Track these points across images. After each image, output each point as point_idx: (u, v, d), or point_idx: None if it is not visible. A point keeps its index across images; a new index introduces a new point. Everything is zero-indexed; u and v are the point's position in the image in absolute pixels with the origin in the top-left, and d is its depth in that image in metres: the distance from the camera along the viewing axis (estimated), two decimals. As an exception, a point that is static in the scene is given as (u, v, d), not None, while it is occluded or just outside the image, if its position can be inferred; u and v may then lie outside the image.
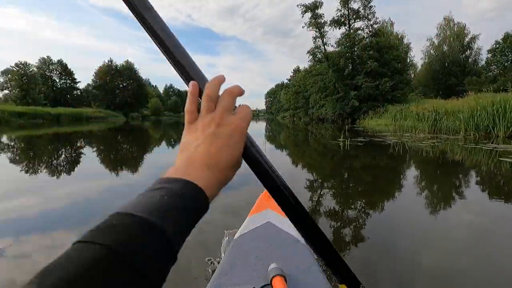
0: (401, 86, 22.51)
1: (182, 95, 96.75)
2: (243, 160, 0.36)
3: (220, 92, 0.36)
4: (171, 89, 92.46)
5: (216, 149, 0.33)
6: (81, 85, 44.96)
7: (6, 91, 35.98)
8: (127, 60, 47.67)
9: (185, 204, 0.26)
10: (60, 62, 42.98)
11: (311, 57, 25.51)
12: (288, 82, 66.62)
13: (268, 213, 1.27)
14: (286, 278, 0.78)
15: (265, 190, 1.68)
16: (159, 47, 0.37)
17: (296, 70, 64.04)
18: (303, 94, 38.67)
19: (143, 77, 51.30)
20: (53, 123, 26.29)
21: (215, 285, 0.82)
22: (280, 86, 76.77)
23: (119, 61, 49.16)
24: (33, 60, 46.50)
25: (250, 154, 0.36)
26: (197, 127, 0.35)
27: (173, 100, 77.62)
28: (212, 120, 0.34)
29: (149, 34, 0.37)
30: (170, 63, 0.37)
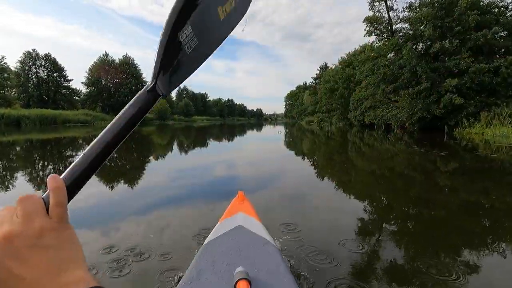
0: (537, 69, 13.04)
1: (197, 98, 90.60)
2: None
3: None
4: (185, 91, 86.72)
5: None
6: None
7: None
8: (126, 54, 40.75)
9: None
10: (47, 57, 36.66)
11: (367, 28, 16.43)
12: (314, 82, 57.69)
13: (239, 217, 1.23)
14: (251, 281, 0.75)
15: (238, 194, 1.48)
16: None
17: (324, 67, 54.86)
18: (340, 92, 29.69)
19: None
20: (8, 128, 19.26)
21: None
22: (303, 88, 67.91)
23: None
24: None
25: None
26: None
27: (184, 103, 70.62)
28: None
29: None
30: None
